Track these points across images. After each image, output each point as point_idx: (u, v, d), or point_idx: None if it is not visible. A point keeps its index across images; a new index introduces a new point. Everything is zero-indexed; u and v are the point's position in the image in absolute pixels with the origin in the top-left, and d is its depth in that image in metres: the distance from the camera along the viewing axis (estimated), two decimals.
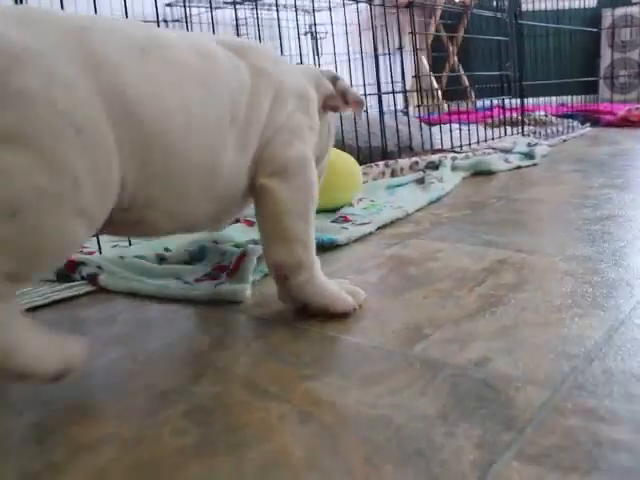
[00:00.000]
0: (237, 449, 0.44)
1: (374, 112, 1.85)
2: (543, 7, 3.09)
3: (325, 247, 0.94)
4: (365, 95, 1.51)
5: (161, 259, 0.91)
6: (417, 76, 1.71)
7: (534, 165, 1.68)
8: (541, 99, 3.09)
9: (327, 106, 0.79)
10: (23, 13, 0.50)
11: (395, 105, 1.79)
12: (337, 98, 0.78)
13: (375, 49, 1.77)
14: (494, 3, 3.14)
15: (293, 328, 0.66)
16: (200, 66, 0.62)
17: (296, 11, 1.82)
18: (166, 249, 0.96)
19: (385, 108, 2.26)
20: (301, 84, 0.73)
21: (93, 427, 0.48)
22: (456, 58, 3.81)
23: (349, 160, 1.19)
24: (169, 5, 2.62)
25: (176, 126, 0.58)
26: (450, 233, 0.99)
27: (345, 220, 1.10)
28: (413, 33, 1.65)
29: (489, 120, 2.40)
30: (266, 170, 0.67)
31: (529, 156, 1.75)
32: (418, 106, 1.78)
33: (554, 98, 2.95)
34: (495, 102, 2.57)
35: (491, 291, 0.71)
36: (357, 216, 1.12)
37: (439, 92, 3.33)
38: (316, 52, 3.24)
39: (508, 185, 1.41)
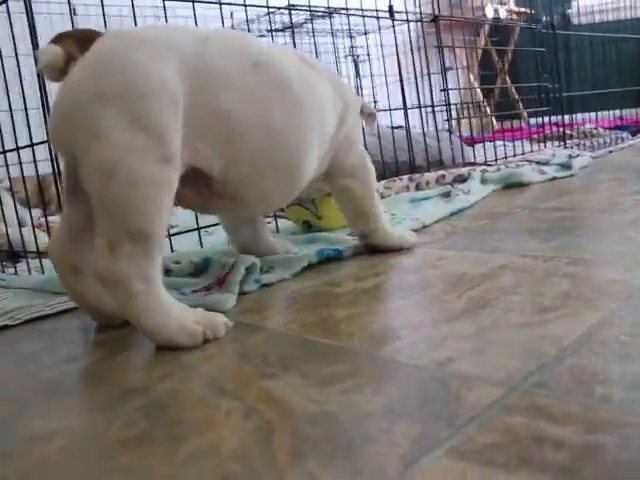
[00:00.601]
0: (174, 441, 0.44)
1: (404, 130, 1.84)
2: (596, 19, 3.02)
3: (330, 258, 0.94)
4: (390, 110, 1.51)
5: (167, 271, 0.93)
6: (445, 90, 1.69)
7: (571, 176, 1.63)
8: (594, 113, 3.00)
9: None
10: (146, 36, 0.67)
11: (435, 123, 1.78)
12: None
13: (401, 71, 1.76)
14: (544, 18, 3.10)
15: (271, 332, 0.65)
16: (293, 77, 0.79)
17: (333, 35, 1.82)
18: (176, 262, 0.97)
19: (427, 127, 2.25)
20: (356, 100, 0.97)
21: (54, 420, 0.50)
22: (507, 77, 3.76)
23: None
24: None
25: (268, 129, 0.74)
26: (460, 242, 0.97)
27: None
28: (439, 47, 1.63)
29: (535, 136, 2.36)
30: (343, 172, 0.93)
31: (566, 167, 1.70)
32: (452, 120, 1.75)
33: (610, 112, 2.86)
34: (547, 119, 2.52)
35: (482, 294, 0.69)
36: None
37: (487, 109, 3.29)
38: (356, 74, 3.27)
39: (538, 196, 1.37)
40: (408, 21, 1.61)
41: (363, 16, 1.72)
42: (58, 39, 0.65)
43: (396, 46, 1.61)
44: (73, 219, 0.70)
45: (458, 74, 2.71)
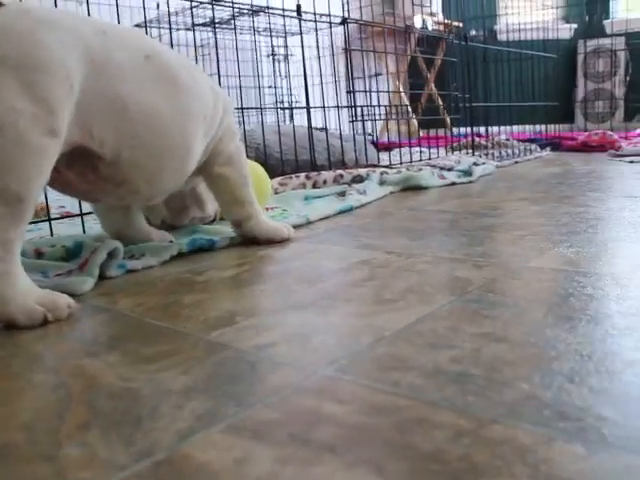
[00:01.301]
0: None
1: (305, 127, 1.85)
2: (520, 37, 3.12)
3: (204, 248, 0.94)
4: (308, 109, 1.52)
5: (39, 254, 0.91)
6: (351, 92, 1.72)
7: (470, 182, 1.69)
8: (514, 127, 3.10)
9: None
10: (55, 19, 0.70)
11: (352, 126, 1.80)
12: None
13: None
14: (472, 31, 3.18)
15: (114, 314, 0.66)
16: (180, 74, 0.85)
17: (254, 33, 1.82)
18: (51, 246, 0.95)
19: (348, 131, 2.28)
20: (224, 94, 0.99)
21: None
22: (433, 86, 3.84)
23: (257, 170, 1.19)
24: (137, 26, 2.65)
25: (160, 115, 0.80)
26: (335, 237, 1.00)
27: None
28: (346, 50, 1.66)
29: (456, 144, 2.42)
30: (219, 161, 0.97)
31: (467, 174, 1.75)
32: (357, 122, 1.78)
33: (528, 126, 2.96)
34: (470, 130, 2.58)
35: (332, 287, 0.71)
36: None
37: (413, 115, 3.35)
38: (279, 74, 3.29)
39: (430, 199, 1.41)
40: (316, 21, 1.63)
41: (283, 15, 1.73)
42: None
43: (302, 48, 1.63)
44: None
45: (388, 80, 2.75)
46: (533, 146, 2.53)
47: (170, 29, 1.50)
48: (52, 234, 1.05)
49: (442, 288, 0.68)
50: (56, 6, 1.04)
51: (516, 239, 0.91)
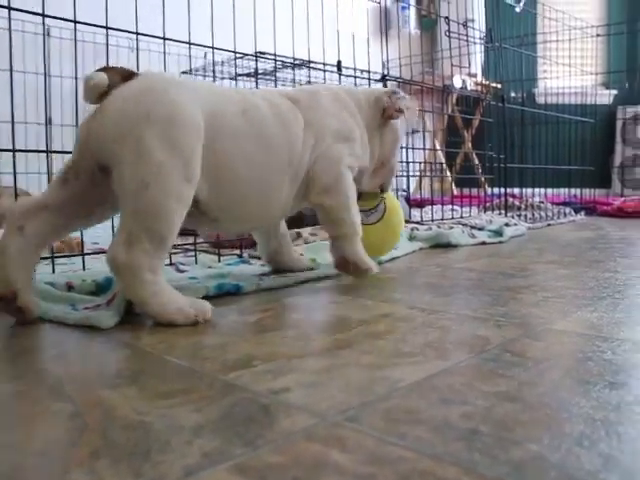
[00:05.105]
0: None
1: None
2: (559, 101, 3.14)
3: (230, 292, 0.96)
4: None
5: (70, 287, 0.94)
6: None
7: (500, 242, 1.69)
8: (550, 190, 3.08)
9: (387, 116, 1.11)
10: (181, 81, 0.85)
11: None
12: (391, 109, 1.10)
13: None
14: (512, 93, 3.22)
15: (138, 350, 0.67)
16: (270, 125, 0.93)
17: (295, 85, 1.87)
18: (83, 280, 0.98)
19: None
20: (340, 122, 1.04)
21: None
22: (470, 145, 3.86)
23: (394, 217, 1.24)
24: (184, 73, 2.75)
25: (243, 167, 0.89)
26: (360, 289, 1.00)
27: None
28: None
29: (488, 204, 2.42)
30: (314, 190, 1.00)
31: (498, 234, 1.75)
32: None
33: (564, 190, 2.94)
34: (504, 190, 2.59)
35: (351, 337, 0.72)
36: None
37: (447, 173, 3.37)
38: None
39: (459, 257, 1.42)
40: (355, 77, 1.68)
41: (324, 70, 1.78)
42: (105, 69, 0.79)
43: None
44: (48, 198, 0.81)
45: (425, 137, 2.79)
46: (567, 209, 2.53)
47: (214, 77, 1.56)
48: (84, 268, 1.08)
49: (461, 345, 0.68)
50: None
51: (540, 301, 0.91)
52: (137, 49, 1.21)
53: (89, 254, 1.13)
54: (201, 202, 0.87)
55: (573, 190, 2.95)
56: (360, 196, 1.12)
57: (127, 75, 0.80)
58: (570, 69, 2.87)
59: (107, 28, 1.08)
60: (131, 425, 0.47)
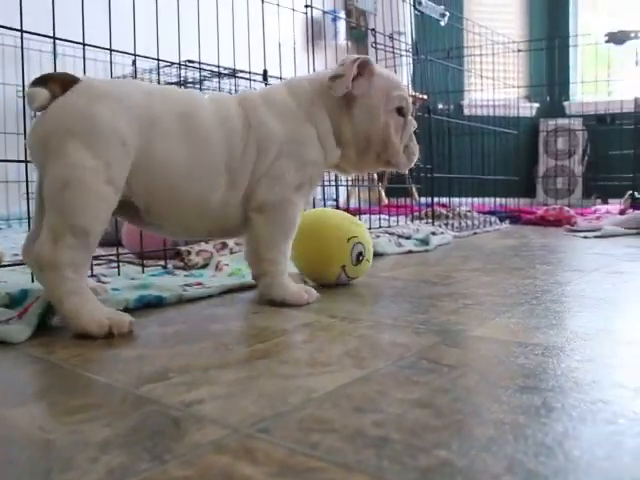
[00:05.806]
0: None
1: None
2: (485, 113, 3.22)
3: (152, 304, 0.95)
4: None
5: None
6: None
7: (426, 251, 1.72)
8: (477, 199, 3.16)
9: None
10: (108, 92, 0.84)
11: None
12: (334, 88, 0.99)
13: None
14: (440, 105, 3.29)
15: (50, 364, 0.65)
16: (208, 127, 0.91)
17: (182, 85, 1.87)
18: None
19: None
20: (289, 128, 0.97)
21: None
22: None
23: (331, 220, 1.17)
24: None
25: (177, 171, 0.88)
26: None
27: (197, 284, 1.10)
28: None
29: (417, 213, 2.47)
30: (251, 205, 0.95)
31: (425, 242, 1.78)
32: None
33: (491, 199, 3.02)
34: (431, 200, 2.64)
35: (271, 347, 0.72)
36: (212, 280, 1.13)
37: (379, 183, 3.42)
38: None
39: (385, 266, 1.44)
40: None
41: (250, 79, 1.78)
42: (46, 79, 0.82)
43: None
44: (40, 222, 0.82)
45: None
46: (493, 218, 2.60)
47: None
48: None
49: (379, 353, 0.69)
50: None
51: (460, 308, 0.93)
52: (55, 54, 1.18)
53: (6, 266, 1.08)
54: (142, 211, 0.89)
55: (499, 199, 3.04)
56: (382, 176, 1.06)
57: (68, 82, 0.82)
58: (494, 82, 2.96)
59: (22, 31, 1.05)
60: (34, 443, 0.45)
